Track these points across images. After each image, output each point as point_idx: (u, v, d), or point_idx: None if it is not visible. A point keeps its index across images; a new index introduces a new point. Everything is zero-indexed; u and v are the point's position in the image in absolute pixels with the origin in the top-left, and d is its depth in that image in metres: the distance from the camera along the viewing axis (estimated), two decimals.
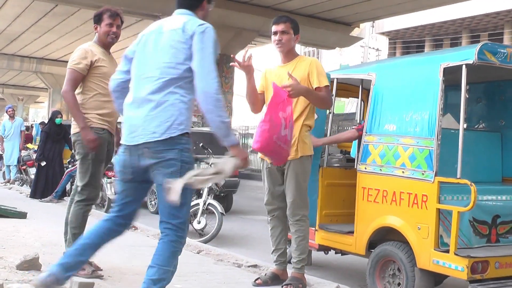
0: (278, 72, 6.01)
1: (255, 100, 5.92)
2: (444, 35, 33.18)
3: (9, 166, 17.64)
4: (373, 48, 36.35)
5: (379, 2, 22.29)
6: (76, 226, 5.61)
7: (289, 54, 6.01)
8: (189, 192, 4.11)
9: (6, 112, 18.35)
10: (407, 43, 35.18)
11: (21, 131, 17.88)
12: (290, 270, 5.96)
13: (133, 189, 4.30)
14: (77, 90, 5.71)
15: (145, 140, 4.04)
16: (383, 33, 35.13)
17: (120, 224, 4.29)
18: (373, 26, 32.87)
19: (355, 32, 26.42)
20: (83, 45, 5.91)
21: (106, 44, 5.94)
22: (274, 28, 5.91)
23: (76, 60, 5.63)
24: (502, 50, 5.75)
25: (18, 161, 17.18)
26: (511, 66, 5.84)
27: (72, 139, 5.81)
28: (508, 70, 6.01)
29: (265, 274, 6.10)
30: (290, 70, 5.71)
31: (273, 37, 5.97)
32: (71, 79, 5.63)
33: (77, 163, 5.79)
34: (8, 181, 17.13)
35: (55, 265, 4.02)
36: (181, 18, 4.34)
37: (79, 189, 5.67)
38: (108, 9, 5.94)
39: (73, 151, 6.22)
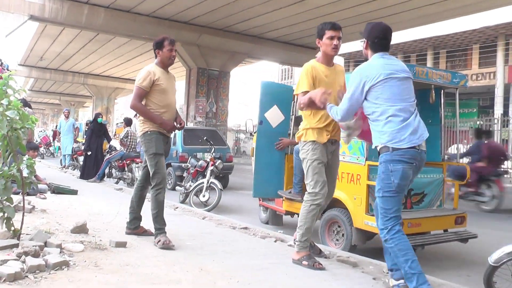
0: (326, 73, 5.06)
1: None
2: None
3: (65, 155, 17.47)
4: None
5: None
6: (154, 208, 5.34)
7: (333, 59, 5.19)
8: None
9: (63, 113, 18.26)
10: (358, 62, 35.08)
11: (74, 128, 17.83)
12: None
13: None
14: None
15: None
16: (340, 55, 35.01)
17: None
18: None
19: (318, 54, 26.49)
20: (147, 66, 5.56)
21: (166, 65, 5.60)
22: (332, 33, 4.89)
23: (141, 80, 5.37)
24: (411, 69, 5.70)
25: (72, 151, 17.24)
26: (419, 80, 5.94)
27: (140, 139, 5.56)
28: (418, 83, 6.01)
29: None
30: (335, 74, 5.10)
31: (328, 41, 4.94)
32: (137, 94, 5.39)
33: (146, 158, 5.49)
34: (64, 167, 17.07)
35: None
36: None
37: (151, 177, 5.40)
38: (166, 37, 5.55)
39: (142, 148, 5.75)
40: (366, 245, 6.29)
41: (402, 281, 4.00)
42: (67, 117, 17.75)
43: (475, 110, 29.38)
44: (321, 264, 4.75)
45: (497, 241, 6.55)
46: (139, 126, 5.58)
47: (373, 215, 5.62)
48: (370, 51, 4.32)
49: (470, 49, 29.30)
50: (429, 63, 30.17)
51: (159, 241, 5.21)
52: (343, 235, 6.12)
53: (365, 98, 4.18)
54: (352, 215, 5.95)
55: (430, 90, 6.40)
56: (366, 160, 5.81)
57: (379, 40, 4.26)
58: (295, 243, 5.01)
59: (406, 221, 5.64)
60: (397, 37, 27.78)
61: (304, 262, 4.75)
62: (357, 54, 33.45)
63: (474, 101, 30.06)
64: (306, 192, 4.96)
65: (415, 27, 22.81)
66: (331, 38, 4.90)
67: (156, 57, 5.61)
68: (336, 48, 4.94)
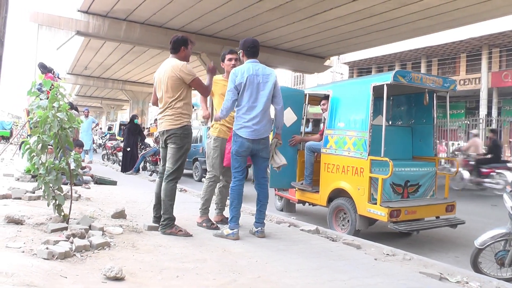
0: (225, 84, 5.24)
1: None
2: (384, 64, 32.90)
3: (86, 150, 15.77)
4: (339, 73, 35.83)
5: (342, 44, 22.18)
6: (171, 199, 4.89)
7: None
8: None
9: (83, 112, 17.31)
10: (360, 69, 34.81)
11: (95, 125, 17.43)
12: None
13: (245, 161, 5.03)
14: (180, 98, 4.82)
15: (263, 136, 4.90)
16: (345, 63, 34.62)
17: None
18: (338, 58, 32.34)
19: (327, 62, 26.22)
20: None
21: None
22: (230, 56, 5.48)
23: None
24: (408, 74, 5.79)
25: (101, 146, 16.55)
26: (415, 84, 5.88)
27: (170, 133, 4.84)
28: (414, 88, 6.06)
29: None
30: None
31: (228, 62, 5.48)
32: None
33: (172, 151, 4.86)
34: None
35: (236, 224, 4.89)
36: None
37: (171, 170, 4.85)
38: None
39: (159, 143, 4.94)
40: (369, 230, 6.24)
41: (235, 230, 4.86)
42: (86, 116, 16.95)
43: (462, 111, 29.06)
44: (216, 225, 5.39)
45: (481, 227, 6.47)
46: (175, 119, 4.85)
47: (375, 203, 5.61)
48: (245, 58, 5.02)
49: (458, 58, 28.97)
50: (423, 70, 29.88)
51: (180, 230, 4.88)
52: (348, 221, 6.07)
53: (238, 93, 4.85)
54: (356, 203, 5.90)
55: (424, 94, 6.33)
56: (368, 155, 5.75)
57: (251, 49, 4.99)
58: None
59: (403, 209, 5.63)
60: (395, 47, 27.58)
61: (204, 224, 5.37)
62: (360, 62, 33.15)
63: (461, 104, 29.73)
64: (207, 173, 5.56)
65: (411, 38, 22.54)
66: (230, 59, 5.53)
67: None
68: (234, 66, 5.40)
